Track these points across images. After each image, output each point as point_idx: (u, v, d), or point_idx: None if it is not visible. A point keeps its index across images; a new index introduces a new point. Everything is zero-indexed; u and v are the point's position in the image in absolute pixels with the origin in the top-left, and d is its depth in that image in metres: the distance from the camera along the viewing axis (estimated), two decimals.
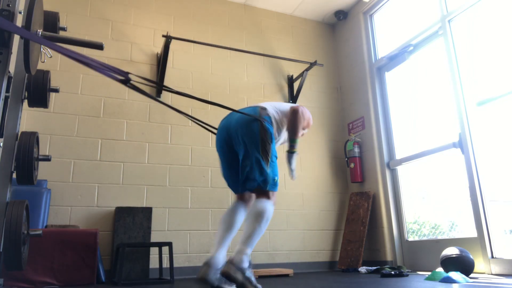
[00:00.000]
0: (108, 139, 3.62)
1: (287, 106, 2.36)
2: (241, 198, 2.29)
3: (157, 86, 2.03)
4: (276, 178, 2.13)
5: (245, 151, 2.12)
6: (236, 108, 2.30)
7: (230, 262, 1.88)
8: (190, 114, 2.40)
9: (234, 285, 1.92)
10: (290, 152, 2.26)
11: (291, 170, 2.28)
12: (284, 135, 2.35)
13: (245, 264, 1.91)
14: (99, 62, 1.67)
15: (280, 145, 2.43)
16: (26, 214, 1.84)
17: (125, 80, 1.79)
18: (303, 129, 2.39)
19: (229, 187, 2.37)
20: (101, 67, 1.68)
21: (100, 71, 1.71)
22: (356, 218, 4.08)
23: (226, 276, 1.86)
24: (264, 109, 2.24)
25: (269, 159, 2.10)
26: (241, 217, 2.21)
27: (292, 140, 2.27)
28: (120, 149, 3.63)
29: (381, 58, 4.27)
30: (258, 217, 2.00)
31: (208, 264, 1.98)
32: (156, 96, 3.87)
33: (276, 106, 2.33)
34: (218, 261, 2.01)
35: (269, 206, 2.06)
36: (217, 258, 2.02)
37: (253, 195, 2.22)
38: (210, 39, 4.27)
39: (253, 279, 1.94)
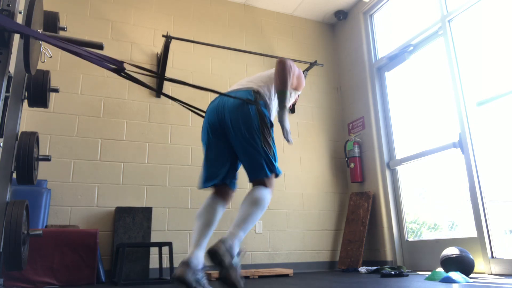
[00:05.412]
0: (108, 139, 3.62)
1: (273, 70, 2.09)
2: (219, 193, 2.02)
3: (153, 75, 1.99)
4: (277, 162, 1.96)
5: (245, 140, 1.89)
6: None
7: (221, 241, 1.64)
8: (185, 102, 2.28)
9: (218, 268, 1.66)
10: (280, 108, 1.92)
11: (284, 131, 1.94)
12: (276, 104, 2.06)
13: (236, 250, 1.69)
14: (94, 54, 1.67)
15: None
16: (26, 214, 1.84)
17: (119, 69, 1.74)
18: (295, 90, 2.09)
19: (206, 181, 2.03)
20: (97, 58, 1.68)
21: (95, 63, 1.70)
22: (356, 218, 4.08)
23: (213, 254, 1.60)
24: (257, 93, 1.97)
25: (272, 145, 1.92)
26: (220, 213, 1.97)
27: (280, 92, 1.92)
28: (120, 149, 3.63)
29: (381, 58, 4.27)
30: (256, 202, 1.82)
31: (186, 264, 1.69)
32: (156, 97, 3.88)
33: (262, 77, 2.09)
34: (197, 262, 1.73)
35: (268, 194, 1.89)
36: (196, 258, 1.74)
37: (232, 192, 2.07)
38: (210, 39, 4.26)
39: (239, 269, 1.70)
